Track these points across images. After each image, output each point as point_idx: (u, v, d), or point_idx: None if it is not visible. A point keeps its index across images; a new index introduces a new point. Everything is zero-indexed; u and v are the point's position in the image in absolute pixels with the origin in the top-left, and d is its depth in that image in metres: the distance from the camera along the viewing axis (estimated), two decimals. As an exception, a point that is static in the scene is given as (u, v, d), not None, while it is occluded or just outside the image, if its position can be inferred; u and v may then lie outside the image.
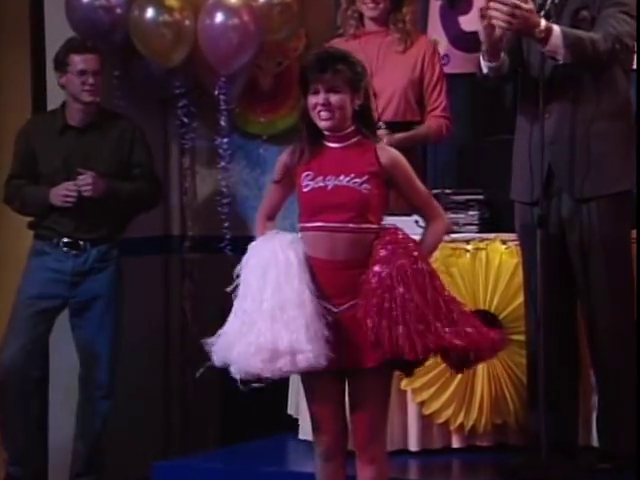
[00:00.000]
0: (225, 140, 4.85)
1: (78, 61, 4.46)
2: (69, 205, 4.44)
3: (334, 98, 3.19)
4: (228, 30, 4.62)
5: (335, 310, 3.18)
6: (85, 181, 4.43)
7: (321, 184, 3.22)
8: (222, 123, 4.81)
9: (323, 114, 3.19)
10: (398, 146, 4.19)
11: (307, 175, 3.23)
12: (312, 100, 3.21)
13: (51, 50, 4.79)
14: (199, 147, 5.08)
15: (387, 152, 3.27)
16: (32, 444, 4.57)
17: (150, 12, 4.68)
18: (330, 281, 3.19)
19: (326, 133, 3.25)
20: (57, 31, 4.78)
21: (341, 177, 3.22)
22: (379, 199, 3.27)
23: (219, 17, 4.64)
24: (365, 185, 3.21)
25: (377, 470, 3.24)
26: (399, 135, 4.21)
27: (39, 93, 4.94)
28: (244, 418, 4.73)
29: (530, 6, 3.54)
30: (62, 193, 4.44)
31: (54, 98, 4.80)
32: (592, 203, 3.71)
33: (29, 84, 4.98)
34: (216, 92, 4.79)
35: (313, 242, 3.21)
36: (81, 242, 4.52)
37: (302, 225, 3.26)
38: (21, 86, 5.09)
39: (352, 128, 3.24)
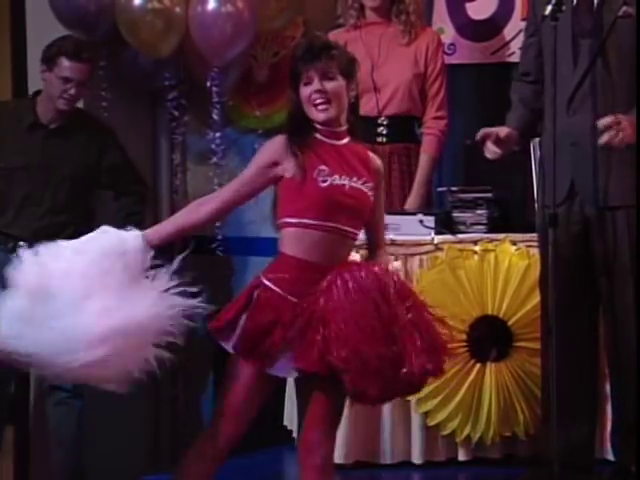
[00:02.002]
0: (218, 135, 4.86)
1: (66, 67, 4.40)
2: None
3: (329, 85, 3.14)
4: (221, 18, 4.64)
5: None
6: None
7: (338, 182, 3.15)
8: (215, 117, 4.83)
9: (320, 106, 3.13)
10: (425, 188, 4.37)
11: (322, 170, 3.15)
12: (306, 91, 3.15)
13: (32, 38, 4.81)
14: (190, 142, 5.10)
15: (376, 160, 3.24)
16: None
17: None
18: (305, 282, 3.13)
19: (320, 127, 3.17)
20: (39, 18, 4.80)
21: (354, 179, 3.17)
22: None
23: (211, 4, 4.65)
24: (371, 192, 3.18)
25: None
26: (418, 188, 4.33)
27: (19, 82, 4.94)
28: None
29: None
30: None
31: (35, 88, 4.72)
32: (620, 212, 3.73)
33: (9, 73, 4.99)
34: (208, 84, 4.79)
35: (309, 241, 3.13)
36: None
37: (306, 222, 3.15)
38: (1, 74, 5.08)
39: (347, 127, 3.19)
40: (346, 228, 3.16)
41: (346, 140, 3.20)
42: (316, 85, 3.13)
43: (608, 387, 3.91)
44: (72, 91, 4.40)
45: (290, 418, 4.25)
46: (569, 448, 3.73)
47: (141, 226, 4.71)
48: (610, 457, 3.94)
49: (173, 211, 5.05)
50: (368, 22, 4.37)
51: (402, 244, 4.07)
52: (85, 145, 4.51)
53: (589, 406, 3.87)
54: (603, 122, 3.63)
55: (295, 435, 4.16)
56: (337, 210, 3.13)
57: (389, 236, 4.03)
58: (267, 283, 3.14)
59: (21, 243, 4.40)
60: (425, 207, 4.28)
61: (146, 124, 5.06)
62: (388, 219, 4.01)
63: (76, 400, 4.53)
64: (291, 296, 3.12)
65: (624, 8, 3.69)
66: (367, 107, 4.30)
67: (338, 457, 3.98)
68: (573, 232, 3.77)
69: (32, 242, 4.39)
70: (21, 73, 4.90)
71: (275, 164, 3.18)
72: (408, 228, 4.09)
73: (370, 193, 3.17)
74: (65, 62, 4.38)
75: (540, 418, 3.93)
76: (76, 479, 4.58)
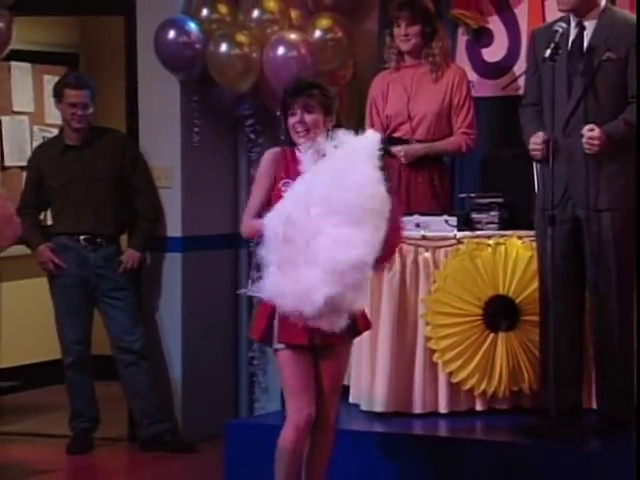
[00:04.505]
0: None
1: (71, 95, 4.56)
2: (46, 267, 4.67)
3: (309, 117, 3.20)
4: (289, 61, 4.67)
5: None
6: (130, 259, 4.65)
7: None
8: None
9: (300, 133, 3.20)
10: (416, 155, 4.30)
11: (285, 182, 3.22)
12: (291, 120, 3.25)
13: (143, 80, 4.88)
14: None
15: None
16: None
17: (224, 47, 4.71)
18: None
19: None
20: (148, 63, 4.84)
21: None
22: None
23: (281, 50, 4.69)
24: None
25: None
26: (414, 146, 4.29)
27: (132, 114, 4.98)
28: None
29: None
30: (45, 260, 4.62)
31: (145, 119, 4.89)
32: (605, 213, 3.75)
33: (124, 107, 5.03)
34: (278, 113, 4.79)
35: None
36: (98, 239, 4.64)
37: None
38: (118, 109, 5.15)
39: None
40: None
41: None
42: (298, 117, 3.21)
43: (594, 353, 3.88)
44: (80, 112, 4.55)
45: (348, 376, 4.24)
46: (563, 400, 3.73)
47: (154, 223, 4.76)
48: (594, 406, 3.97)
49: (250, 213, 5.23)
50: (406, 65, 4.38)
51: (431, 239, 4.08)
52: (110, 151, 4.64)
53: (578, 367, 3.88)
54: (587, 135, 3.70)
55: (351, 391, 4.15)
56: None
57: (421, 232, 4.09)
58: None
59: (82, 237, 4.62)
60: (449, 210, 4.29)
61: (229, 144, 5.02)
62: (421, 219, 4.11)
63: (144, 361, 4.65)
64: None
65: (607, 54, 3.71)
66: (402, 131, 4.36)
67: (380, 407, 4.02)
68: (565, 229, 3.80)
69: (90, 235, 4.61)
70: (134, 110, 4.92)
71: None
72: (436, 226, 4.10)
73: None
74: (69, 91, 4.56)
75: (541, 376, 3.92)
76: (165, 417, 4.70)
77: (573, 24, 3.82)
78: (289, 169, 3.25)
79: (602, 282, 3.77)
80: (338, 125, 3.27)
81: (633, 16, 3.90)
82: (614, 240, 3.76)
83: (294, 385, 3.23)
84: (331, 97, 3.26)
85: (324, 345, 3.21)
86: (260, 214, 3.23)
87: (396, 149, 4.33)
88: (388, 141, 4.42)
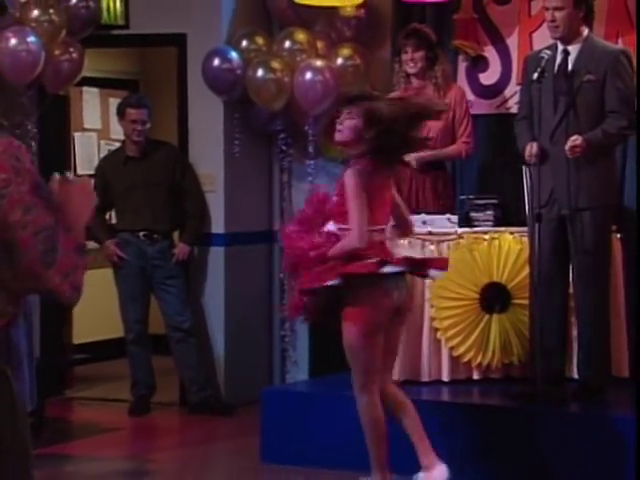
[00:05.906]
0: (312, 162, 4.90)
1: (132, 113, 4.61)
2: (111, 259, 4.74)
3: (348, 122, 3.29)
4: (315, 84, 4.71)
5: None
6: (181, 252, 4.69)
7: None
8: (310, 150, 4.85)
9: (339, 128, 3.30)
10: (424, 160, 4.31)
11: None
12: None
13: (192, 101, 4.92)
14: (294, 167, 5.05)
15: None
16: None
17: (260, 72, 4.75)
18: None
19: None
20: (196, 87, 4.85)
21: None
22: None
23: (309, 75, 4.73)
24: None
25: None
26: (422, 154, 4.29)
27: (183, 130, 4.98)
28: (329, 356, 4.61)
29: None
30: (110, 252, 4.67)
31: (194, 134, 4.92)
32: (586, 212, 3.78)
33: (176, 124, 5.05)
34: (306, 128, 4.83)
35: None
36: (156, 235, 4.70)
37: None
38: (170, 125, 5.17)
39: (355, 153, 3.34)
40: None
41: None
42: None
43: (575, 331, 3.91)
44: (139, 128, 4.59)
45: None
46: (548, 370, 3.75)
47: (201, 221, 4.78)
48: (575, 376, 3.97)
49: (282, 212, 5.09)
50: (413, 87, 4.38)
51: (436, 234, 4.10)
52: (165, 162, 4.70)
53: (561, 342, 3.89)
54: (570, 144, 3.75)
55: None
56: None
57: (427, 229, 4.12)
58: None
59: (141, 233, 4.68)
60: (451, 209, 4.30)
61: (264, 155, 5.05)
62: (427, 218, 4.14)
63: (192, 338, 4.70)
64: None
65: (587, 76, 3.73)
66: None
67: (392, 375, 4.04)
68: (553, 226, 3.84)
69: (148, 232, 4.66)
70: (184, 127, 4.93)
71: None
72: (440, 223, 4.14)
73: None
74: (130, 110, 4.61)
75: (529, 351, 3.94)
76: (209, 385, 4.75)
77: (560, 49, 3.87)
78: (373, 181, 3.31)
79: (584, 270, 3.80)
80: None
81: (610, 44, 3.97)
82: (594, 235, 3.79)
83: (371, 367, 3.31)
84: (373, 111, 3.31)
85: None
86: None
87: (408, 157, 4.37)
88: None
